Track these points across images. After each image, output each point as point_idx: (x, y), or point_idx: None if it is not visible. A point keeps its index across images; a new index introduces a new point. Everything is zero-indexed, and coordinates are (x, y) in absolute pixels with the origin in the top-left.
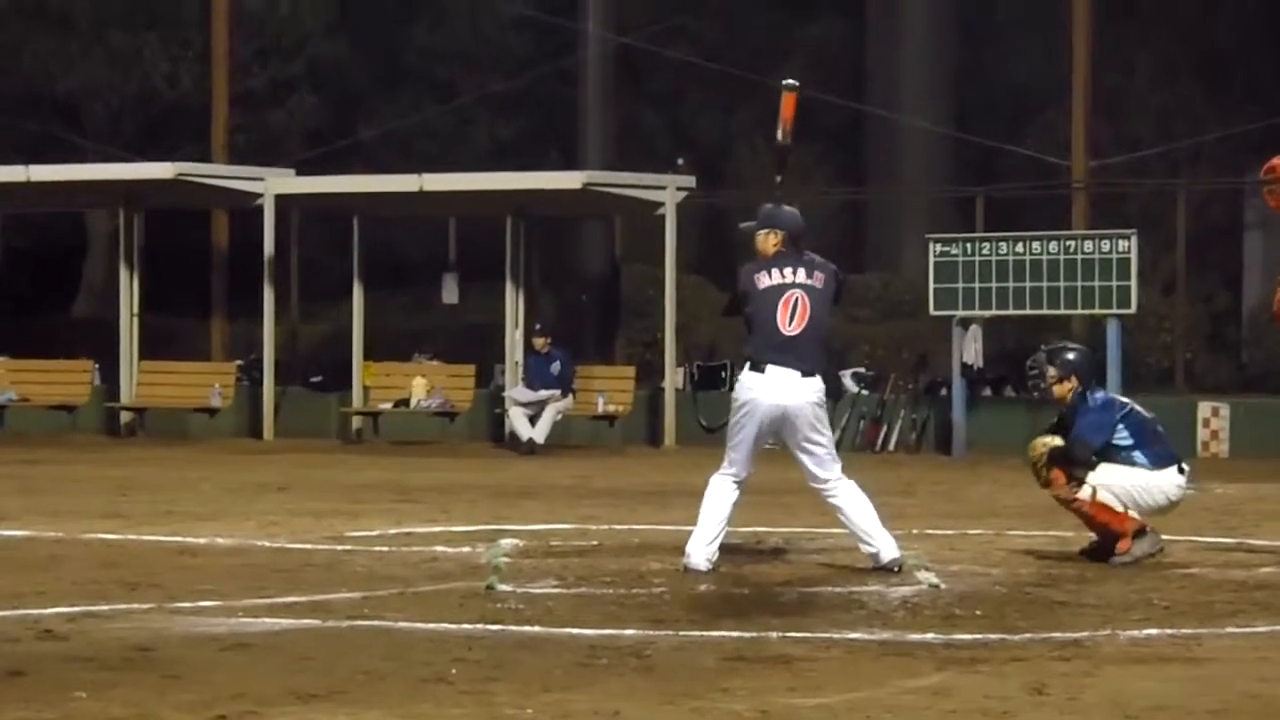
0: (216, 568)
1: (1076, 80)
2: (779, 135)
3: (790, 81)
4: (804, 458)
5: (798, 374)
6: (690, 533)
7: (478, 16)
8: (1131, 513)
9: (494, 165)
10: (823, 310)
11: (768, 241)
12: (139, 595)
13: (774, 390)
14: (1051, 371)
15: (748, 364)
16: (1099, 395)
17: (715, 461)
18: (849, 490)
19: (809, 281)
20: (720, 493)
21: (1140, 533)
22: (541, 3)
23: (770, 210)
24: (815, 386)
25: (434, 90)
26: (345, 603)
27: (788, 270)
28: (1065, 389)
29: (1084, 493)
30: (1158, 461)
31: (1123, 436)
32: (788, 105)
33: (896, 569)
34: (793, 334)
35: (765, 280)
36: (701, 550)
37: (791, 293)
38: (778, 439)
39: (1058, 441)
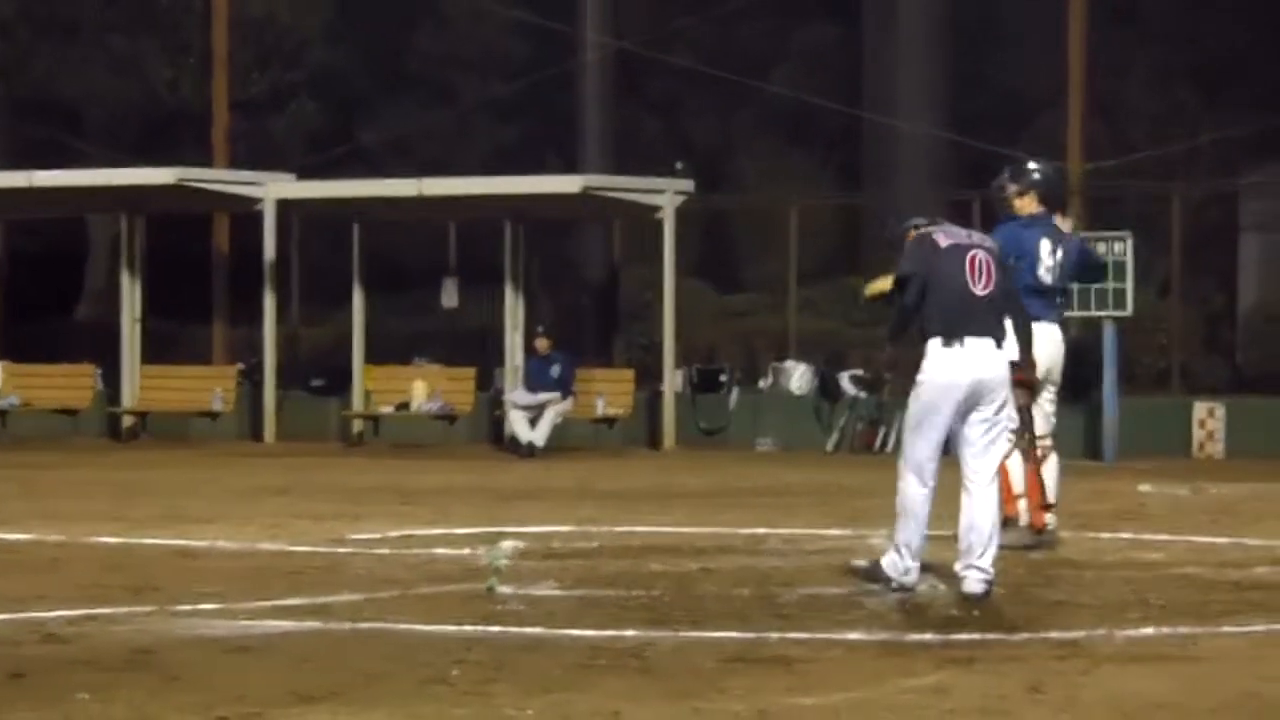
0: (218, 570)
1: (1072, 84)
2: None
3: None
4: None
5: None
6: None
7: (478, 21)
8: None
9: (493, 169)
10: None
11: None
12: (141, 598)
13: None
14: (1013, 187)
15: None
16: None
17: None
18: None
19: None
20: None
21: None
22: (541, 7)
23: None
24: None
25: (434, 95)
26: (346, 605)
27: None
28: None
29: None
30: None
31: None
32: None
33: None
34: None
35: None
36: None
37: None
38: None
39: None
